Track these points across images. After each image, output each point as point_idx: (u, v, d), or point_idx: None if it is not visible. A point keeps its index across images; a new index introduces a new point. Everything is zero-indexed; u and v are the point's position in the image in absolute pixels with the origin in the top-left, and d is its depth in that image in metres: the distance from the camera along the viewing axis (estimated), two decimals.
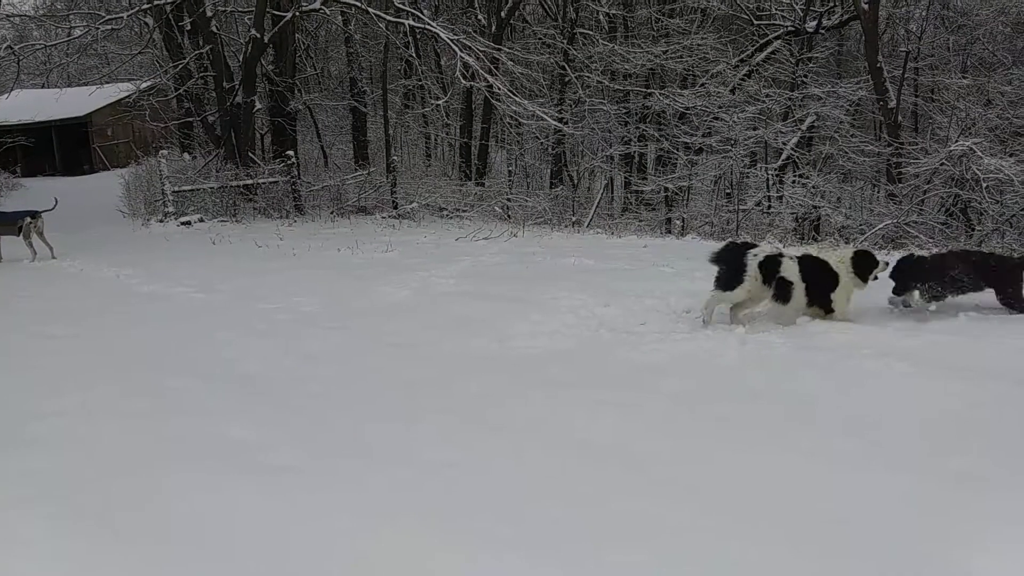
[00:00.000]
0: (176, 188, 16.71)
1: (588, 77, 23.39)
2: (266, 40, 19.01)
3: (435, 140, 31.14)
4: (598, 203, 23.45)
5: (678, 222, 21.84)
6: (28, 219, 12.70)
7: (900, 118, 20.97)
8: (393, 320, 7.67)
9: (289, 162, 18.01)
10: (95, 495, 3.87)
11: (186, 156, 24.21)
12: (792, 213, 19.82)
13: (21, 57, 25.72)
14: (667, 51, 22.85)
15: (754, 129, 21.07)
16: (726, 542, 3.30)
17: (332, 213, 17.74)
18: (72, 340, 7.25)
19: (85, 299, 9.41)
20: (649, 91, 23.90)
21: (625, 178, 25.70)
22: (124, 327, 7.82)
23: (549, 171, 26.25)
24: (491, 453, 4.32)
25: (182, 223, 15.98)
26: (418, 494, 3.80)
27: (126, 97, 26.51)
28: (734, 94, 22.31)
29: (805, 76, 22.58)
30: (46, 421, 4.95)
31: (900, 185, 17.70)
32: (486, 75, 16.76)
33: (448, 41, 17.24)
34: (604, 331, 6.98)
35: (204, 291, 9.41)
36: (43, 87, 38.37)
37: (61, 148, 34.84)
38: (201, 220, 16.16)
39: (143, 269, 11.26)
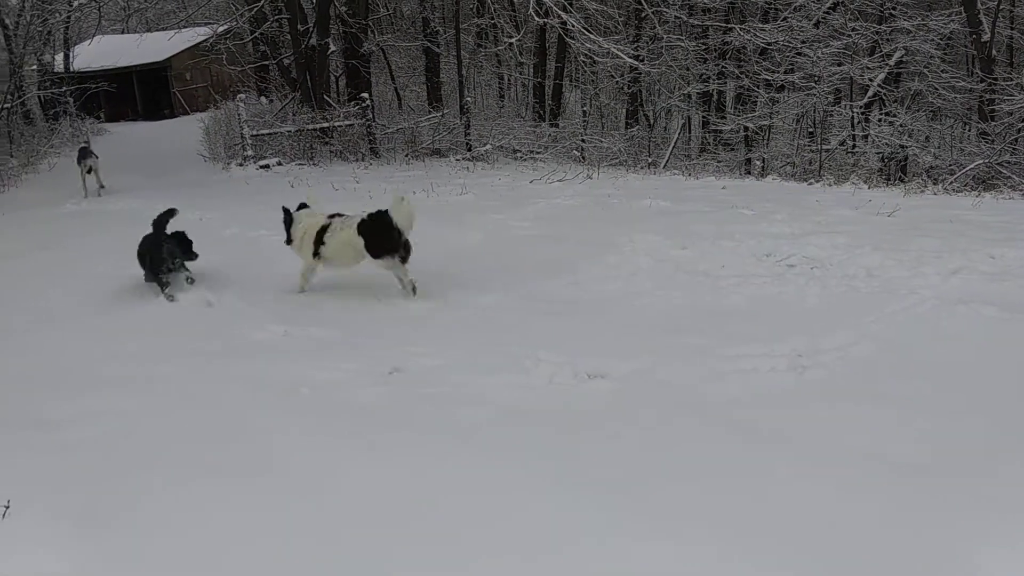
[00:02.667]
0: (254, 132, 16.94)
1: (665, 12, 22.68)
2: None
3: (508, 81, 30.83)
4: (675, 143, 23.00)
5: (758, 162, 21.30)
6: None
7: (994, 52, 19.91)
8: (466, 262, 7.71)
9: (364, 104, 18.05)
10: None
11: (263, 100, 24.50)
12: (878, 153, 19.17)
13: (102, 3, 26.33)
14: None
15: (839, 65, 20.30)
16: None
17: (406, 155, 17.78)
18: None
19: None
20: (729, 26, 23.08)
21: (703, 117, 25.08)
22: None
23: (625, 111, 25.76)
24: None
25: (261, 166, 16.22)
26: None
27: (203, 41, 26.77)
28: (818, 28, 21.45)
29: (893, 8, 21.53)
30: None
31: (993, 123, 16.92)
32: (560, 12, 16.43)
33: None
34: (681, 274, 6.89)
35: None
36: (123, 32, 39.22)
37: (142, 93, 35.56)
38: (279, 163, 16.37)
39: (225, 212, 11.48)
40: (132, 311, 6.74)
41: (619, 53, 17.07)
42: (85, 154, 15.75)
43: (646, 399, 4.41)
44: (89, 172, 14.89)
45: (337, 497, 3.47)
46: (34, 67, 27.60)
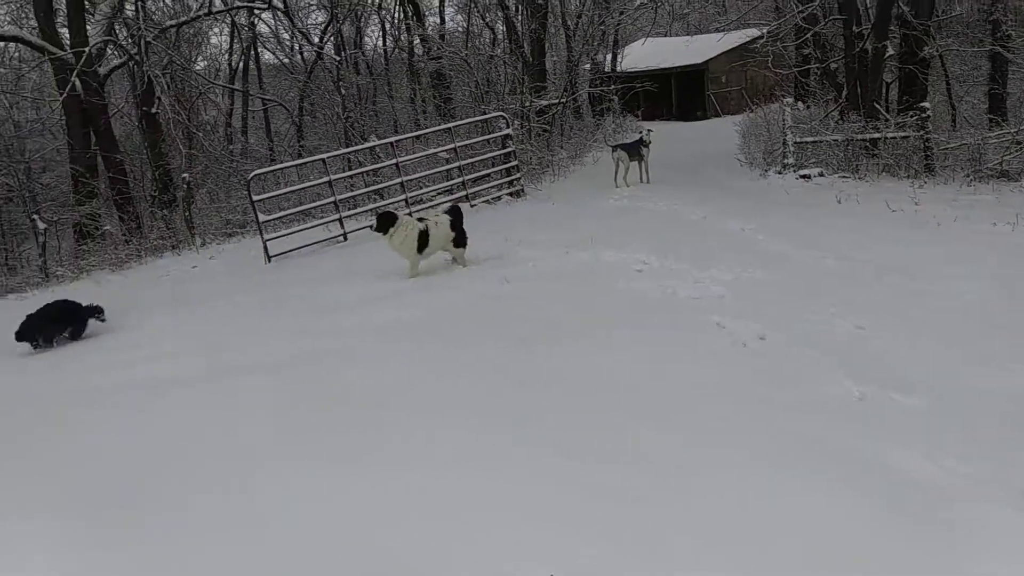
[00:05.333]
0: (798, 139, 16.09)
1: None
2: None
3: None
4: None
5: None
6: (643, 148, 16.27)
7: None
8: None
9: (924, 115, 16.16)
10: None
11: (799, 105, 23.53)
12: None
13: (659, 4, 27.49)
14: None
15: None
16: None
17: (967, 176, 15.53)
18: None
19: (711, 250, 9.25)
20: None
21: None
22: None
23: None
24: None
25: (801, 176, 15.34)
26: None
27: (749, 43, 26.64)
28: None
29: None
30: None
31: None
32: None
33: None
34: None
35: (835, 256, 8.60)
36: (665, 36, 40.97)
37: (678, 94, 36.78)
38: (821, 174, 15.33)
39: (765, 224, 10.84)
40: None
41: None
42: (627, 147, 16.44)
43: None
44: (640, 160, 16.19)
45: None
46: (587, 66, 29.79)
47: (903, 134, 15.76)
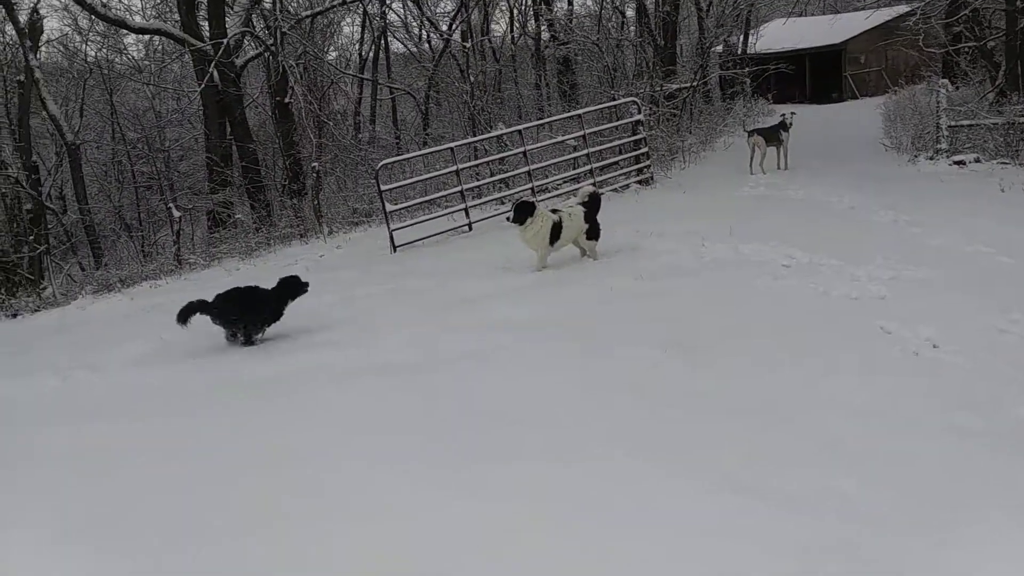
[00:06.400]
0: (952, 122, 14.88)
1: None
2: None
3: None
4: None
5: None
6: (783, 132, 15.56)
7: None
8: None
9: None
10: None
11: (949, 86, 21.99)
12: None
13: None
14: None
15: None
16: None
17: None
18: None
19: (865, 244, 8.52)
20: None
21: None
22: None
23: None
24: None
25: (955, 162, 14.18)
26: None
27: (897, 19, 25.07)
28: None
29: None
30: None
31: None
32: None
33: None
34: None
35: (1009, 254, 7.75)
36: (800, 15, 39.22)
37: (812, 76, 35.04)
38: (977, 160, 14.13)
39: (921, 215, 9.98)
40: None
41: None
42: (764, 131, 15.65)
43: None
44: (779, 145, 15.63)
45: None
46: (718, 48, 28.72)
47: None
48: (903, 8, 24.26)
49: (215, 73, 19.59)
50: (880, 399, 4.61)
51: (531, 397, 5.08)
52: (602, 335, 6.13)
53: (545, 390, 5.16)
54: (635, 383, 5.13)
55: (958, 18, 19.75)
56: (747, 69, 28.43)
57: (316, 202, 15.80)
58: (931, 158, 14.83)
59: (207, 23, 20.77)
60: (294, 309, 7.61)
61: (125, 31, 24.39)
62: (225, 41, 19.25)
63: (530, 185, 13.57)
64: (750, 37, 31.76)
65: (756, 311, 6.42)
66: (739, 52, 30.80)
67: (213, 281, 12.36)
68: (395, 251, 11.95)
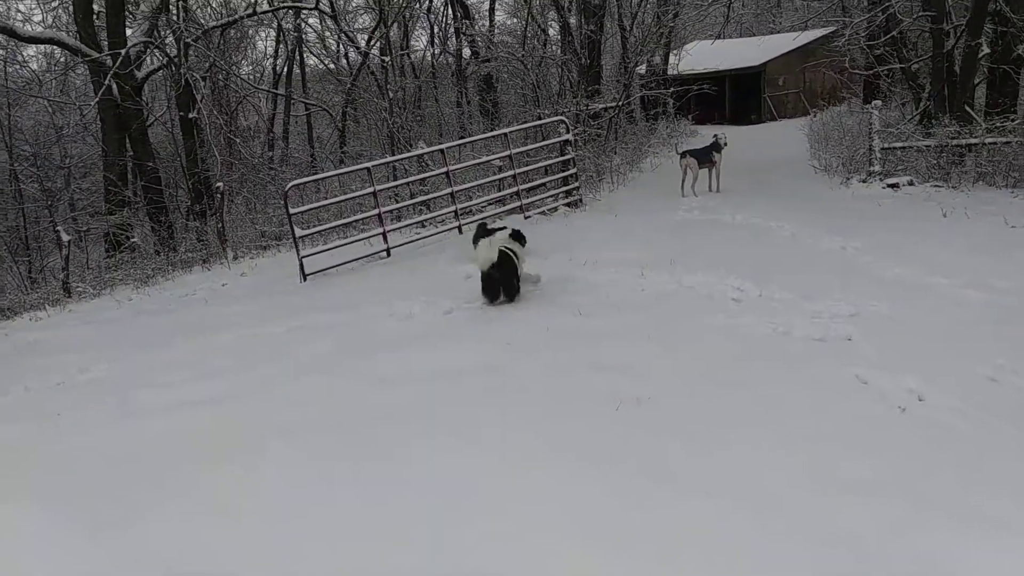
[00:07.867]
0: (886, 144, 14.58)
1: None
2: None
3: None
4: None
5: None
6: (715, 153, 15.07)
7: None
8: None
9: None
10: None
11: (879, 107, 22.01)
12: None
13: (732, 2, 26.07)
14: None
15: None
16: None
17: None
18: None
19: (817, 274, 7.88)
20: None
21: None
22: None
23: None
24: None
25: (889, 185, 13.84)
26: None
27: (819, 42, 25.11)
28: None
29: None
30: None
31: None
32: None
33: None
34: None
35: (975, 286, 7.16)
36: (718, 37, 39.37)
37: (732, 97, 35.09)
38: (911, 183, 13.83)
39: (868, 242, 9.44)
40: None
41: None
42: (697, 153, 15.14)
43: None
44: (712, 167, 15.18)
45: None
46: (641, 69, 28.40)
47: (1004, 139, 14.18)
48: (820, 31, 24.28)
49: (113, 85, 18.23)
50: (872, 471, 3.86)
51: (457, 478, 4.17)
52: (546, 392, 5.21)
53: (488, 466, 4.25)
54: (587, 451, 4.26)
55: (884, 40, 19.70)
56: (670, 89, 28.17)
57: (221, 224, 14.61)
58: (864, 180, 14.49)
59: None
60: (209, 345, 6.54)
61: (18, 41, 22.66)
62: (123, 52, 17.91)
63: (453, 208, 12.70)
64: (672, 57, 31.57)
65: (715, 359, 5.62)
66: (662, 72, 30.56)
67: (100, 313, 11.12)
68: (305, 280, 10.91)
